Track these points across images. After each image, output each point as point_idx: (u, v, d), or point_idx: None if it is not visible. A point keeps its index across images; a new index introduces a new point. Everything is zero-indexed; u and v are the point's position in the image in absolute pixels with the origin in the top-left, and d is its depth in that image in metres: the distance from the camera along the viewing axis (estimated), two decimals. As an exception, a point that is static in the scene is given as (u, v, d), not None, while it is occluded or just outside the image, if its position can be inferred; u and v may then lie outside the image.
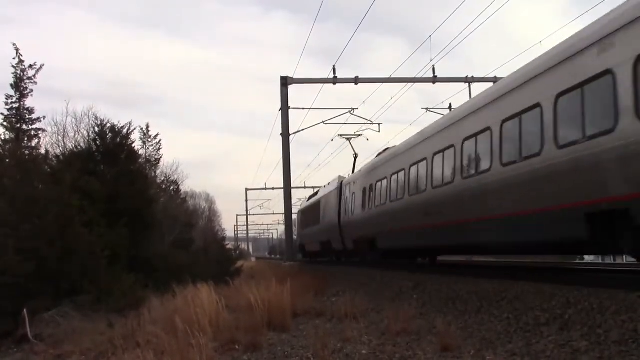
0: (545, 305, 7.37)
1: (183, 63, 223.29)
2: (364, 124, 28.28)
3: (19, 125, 17.01)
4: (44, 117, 18.13)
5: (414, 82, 25.01)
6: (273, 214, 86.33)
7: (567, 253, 18.21)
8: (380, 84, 25.90)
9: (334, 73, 24.53)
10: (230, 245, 43.71)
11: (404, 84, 25.57)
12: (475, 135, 11.83)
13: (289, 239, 28.83)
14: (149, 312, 10.27)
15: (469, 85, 24.55)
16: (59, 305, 11.91)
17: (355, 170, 26.93)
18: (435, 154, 14.01)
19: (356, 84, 25.06)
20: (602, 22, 8.30)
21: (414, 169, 15.53)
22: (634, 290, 6.78)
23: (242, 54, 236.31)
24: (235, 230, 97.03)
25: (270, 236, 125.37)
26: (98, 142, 18.61)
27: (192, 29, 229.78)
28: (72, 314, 11.54)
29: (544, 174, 9.21)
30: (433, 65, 24.07)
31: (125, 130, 19.03)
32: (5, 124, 16.81)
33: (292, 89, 25.13)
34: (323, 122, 27.72)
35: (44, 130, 18.90)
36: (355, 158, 30.17)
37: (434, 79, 24.51)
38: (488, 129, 11.23)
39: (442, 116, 17.59)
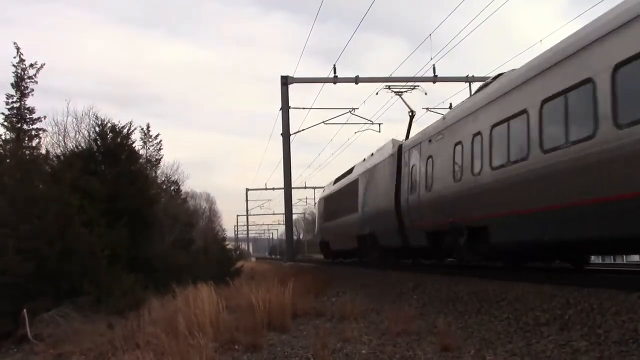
0: (545, 305, 7.38)
1: (183, 63, 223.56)
2: (365, 124, 28.18)
3: (19, 125, 16.96)
4: (45, 117, 18.05)
5: (414, 81, 25.03)
6: (273, 214, 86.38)
7: None
8: (381, 83, 25.94)
9: (334, 72, 24.58)
10: (230, 245, 43.64)
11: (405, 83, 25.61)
12: None
13: (289, 239, 28.86)
14: (149, 313, 10.26)
15: (469, 85, 24.60)
16: (58, 305, 11.88)
17: (411, 136, 19.25)
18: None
19: (356, 83, 25.10)
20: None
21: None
22: (634, 291, 6.79)
23: (242, 53, 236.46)
24: (235, 231, 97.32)
25: (271, 236, 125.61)
26: (99, 142, 18.59)
27: (192, 29, 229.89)
28: (72, 315, 11.51)
29: None
30: (433, 65, 24.16)
31: (125, 130, 19.01)
32: (5, 123, 16.78)
33: (292, 89, 25.22)
34: (323, 122, 27.73)
35: (44, 130, 18.81)
36: (412, 117, 22.33)
37: (435, 78, 24.56)
38: None
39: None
